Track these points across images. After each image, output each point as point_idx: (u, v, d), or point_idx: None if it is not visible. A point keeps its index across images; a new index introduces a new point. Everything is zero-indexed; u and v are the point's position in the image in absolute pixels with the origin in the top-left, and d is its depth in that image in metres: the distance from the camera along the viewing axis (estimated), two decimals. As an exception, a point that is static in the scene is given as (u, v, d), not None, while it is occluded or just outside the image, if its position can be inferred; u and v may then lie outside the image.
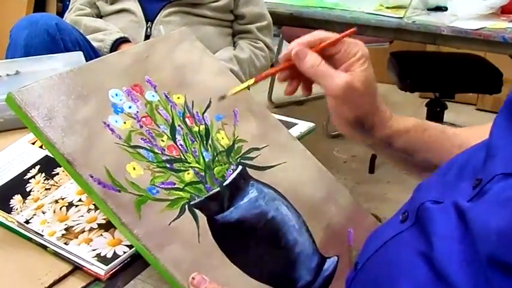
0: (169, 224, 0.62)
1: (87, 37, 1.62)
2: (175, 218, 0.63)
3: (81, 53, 1.16)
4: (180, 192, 0.65)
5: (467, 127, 0.78)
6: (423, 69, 2.41)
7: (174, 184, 0.65)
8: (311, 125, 0.97)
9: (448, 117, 2.50)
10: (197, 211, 0.65)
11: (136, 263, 0.63)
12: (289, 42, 0.69)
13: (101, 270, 0.61)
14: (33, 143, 0.82)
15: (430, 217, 0.53)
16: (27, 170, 0.77)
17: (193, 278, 0.60)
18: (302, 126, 0.97)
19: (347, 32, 0.68)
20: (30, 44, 1.43)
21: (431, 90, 2.44)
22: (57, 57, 1.13)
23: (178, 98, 0.73)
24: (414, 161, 0.73)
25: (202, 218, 0.65)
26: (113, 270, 0.61)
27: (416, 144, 0.71)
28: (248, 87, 0.71)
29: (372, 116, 0.69)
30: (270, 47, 1.84)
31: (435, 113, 2.41)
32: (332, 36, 0.68)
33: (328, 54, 0.67)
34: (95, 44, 1.63)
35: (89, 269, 0.61)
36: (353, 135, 0.72)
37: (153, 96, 0.71)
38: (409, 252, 0.53)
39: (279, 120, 0.82)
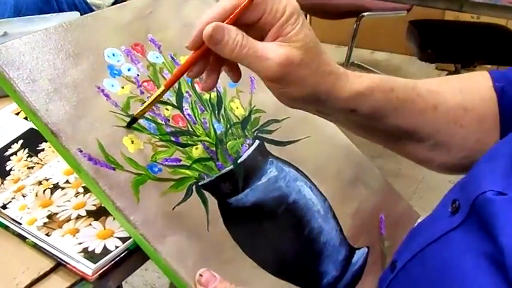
0: (173, 209, 0.56)
1: (86, -5, 1.56)
2: (181, 202, 0.57)
3: (77, 13, 1.11)
4: (187, 171, 0.59)
5: (443, 78, 0.66)
6: (445, 39, 2.38)
7: (180, 161, 0.59)
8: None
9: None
10: (206, 193, 0.59)
11: (131, 257, 0.56)
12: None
13: (88, 269, 0.54)
14: (17, 114, 0.76)
15: (493, 212, 0.46)
16: (9, 145, 0.71)
17: (200, 275, 0.53)
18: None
19: None
20: (20, 4, 1.35)
21: (454, 61, 2.45)
22: (50, 18, 1.05)
23: (187, 60, 0.66)
24: (382, 127, 0.61)
25: (212, 201, 0.59)
26: (102, 270, 0.54)
27: (383, 107, 0.59)
28: (160, 96, 0.56)
29: (325, 84, 0.55)
30: None
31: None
32: None
33: (247, 22, 0.53)
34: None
35: (74, 267, 0.54)
36: (308, 110, 0.60)
37: (157, 57, 0.65)
38: (469, 254, 0.46)
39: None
